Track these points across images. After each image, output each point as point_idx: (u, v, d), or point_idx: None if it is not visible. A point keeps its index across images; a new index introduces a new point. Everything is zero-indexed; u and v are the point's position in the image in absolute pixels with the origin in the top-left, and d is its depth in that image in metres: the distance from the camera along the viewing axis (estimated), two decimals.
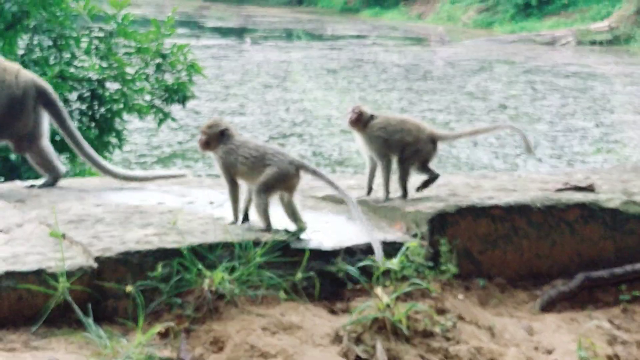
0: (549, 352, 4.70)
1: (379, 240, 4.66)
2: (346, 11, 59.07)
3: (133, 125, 15.16)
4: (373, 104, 25.06)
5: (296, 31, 48.38)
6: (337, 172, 17.49)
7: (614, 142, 21.73)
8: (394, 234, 5.02)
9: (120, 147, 10.86)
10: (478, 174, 6.55)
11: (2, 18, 10.45)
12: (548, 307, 5.05)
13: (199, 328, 4.32)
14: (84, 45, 10.63)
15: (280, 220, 4.87)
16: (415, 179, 5.48)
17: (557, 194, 5.44)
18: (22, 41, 10.91)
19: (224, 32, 46.65)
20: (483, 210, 5.13)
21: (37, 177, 6.14)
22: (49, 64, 10.36)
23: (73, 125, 6.09)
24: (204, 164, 17.18)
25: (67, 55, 10.67)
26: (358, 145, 5.51)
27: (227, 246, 4.57)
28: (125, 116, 10.81)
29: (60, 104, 6.08)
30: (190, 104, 11.36)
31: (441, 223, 5.03)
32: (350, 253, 4.77)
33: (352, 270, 4.67)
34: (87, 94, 10.54)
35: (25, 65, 10.15)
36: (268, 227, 4.82)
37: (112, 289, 4.37)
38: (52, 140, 6.32)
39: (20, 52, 10.73)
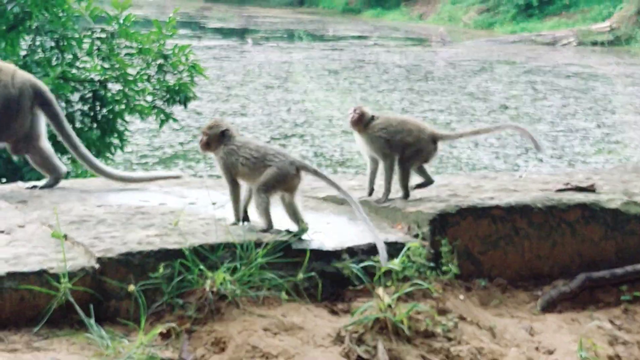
0: (550, 352, 4.70)
1: (383, 241, 4.67)
2: (347, 12, 59.07)
3: (135, 126, 15.18)
4: (374, 104, 25.07)
5: (298, 32, 48.39)
6: (338, 172, 17.50)
7: (615, 143, 21.73)
8: (395, 235, 5.03)
9: (122, 148, 10.86)
10: (479, 174, 6.55)
11: (5, 19, 10.46)
12: (549, 307, 5.06)
13: (201, 329, 4.33)
14: (86, 46, 10.64)
15: (281, 220, 4.88)
16: (413, 180, 5.48)
17: (558, 195, 5.44)
18: (25, 42, 10.92)
19: (225, 32, 46.66)
20: (484, 210, 5.14)
21: (39, 178, 6.15)
22: (51, 65, 10.37)
23: (69, 126, 6.07)
24: (206, 165, 17.19)
25: (69, 57, 10.69)
26: (359, 146, 5.52)
27: (229, 247, 4.58)
28: (127, 117, 10.82)
29: (57, 104, 6.06)
30: (191, 104, 11.38)
31: (442, 223, 5.04)
32: (352, 253, 4.78)
33: (354, 270, 4.67)
34: (89, 95, 10.55)
35: (27, 66, 10.18)
36: (269, 226, 4.83)
37: (114, 289, 4.38)
38: (54, 142, 6.33)
39: (23, 53, 10.74)
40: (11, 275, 4.23)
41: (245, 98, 26.34)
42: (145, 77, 10.61)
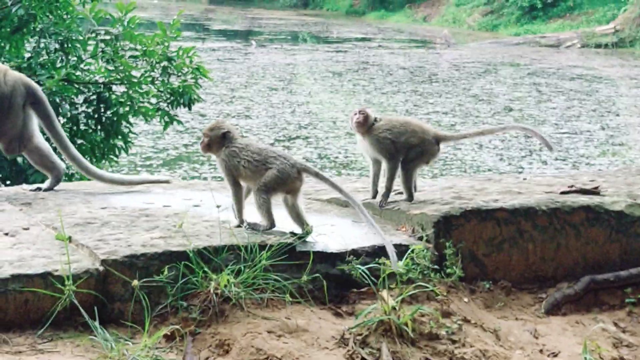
0: (554, 355, 4.70)
1: (392, 243, 4.67)
2: (352, 14, 59.10)
3: (139, 128, 15.18)
4: (379, 106, 25.07)
5: (302, 34, 48.42)
6: (342, 174, 17.50)
7: (619, 145, 21.71)
8: (399, 237, 5.03)
9: (126, 150, 10.86)
10: (483, 176, 6.55)
11: (9, 21, 10.47)
12: (553, 310, 5.06)
13: (205, 331, 4.33)
14: (90, 48, 10.64)
15: (285, 222, 4.88)
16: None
17: (563, 197, 5.44)
18: (29, 44, 10.93)
19: (229, 34, 46.68)
20: (488, 213, 5.14)
21: (43, 180, 6.15)
22: (56, 67, 10.38)
23: (59, 126, 6.06)
24: (210, 167, 17.20)
25: (73, 59, 10.69)
26: (361, 148, 5.51)
27: (233, 249, 4.58)
28: (131, 119, 10.82)
29: (48, 103, 6.04)
30: (196, 106, 11.37)
31: (446, 226, 5.04)
32: (356, 256, 4.78)
33: (358, 273, 4.67)
34: (94, 97, 10.55)
35: (31, 68, 10.19)
36: (271, 225, 4.84)
37: (118, 292, 4.38)
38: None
39: (27, 55, 10.75)
40: (16, 278, 4.24)
41: (249, 100, 26.36)
42: (149, 79, 10.61)
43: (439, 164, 18.52)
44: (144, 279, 4.37)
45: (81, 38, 10.61)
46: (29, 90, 5.90)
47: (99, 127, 10.59)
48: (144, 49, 10.46)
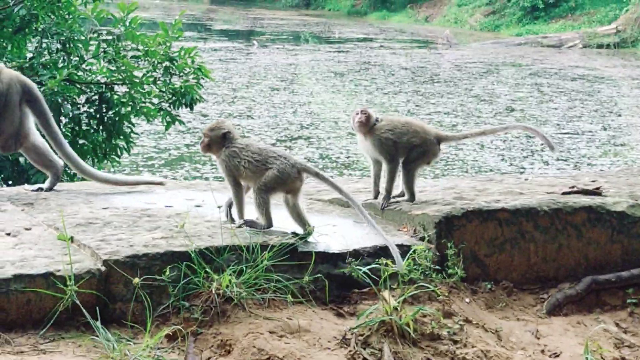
0: (556, 355, 4.70)
1: (395, 244, 4.68)
2: (353, 14, 59.10)
3: (141, 128, 15.19)
4: (380, 106, 25.08)
5: (303, 34, 48.42)
6: (344, 175, 17.50)
7: (621, 145, 21.71)
8: (401, 237, 5.04)
9: (128, 150, 10.86)
10: (485, 177, 6.55)
11: (11, 21, 10.47)
12: (555, 310, 5.06)
13: (207, 331, 4.33)
14: (92, 48, 10.64)
15: (286, 222, 4.89)
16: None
17: (564, 197, 5.44)
18: (31, 44, 10.93)
19: (231, 34, 46.69)
20: (490, 213, 5.14)
21: (45, 180, 6.15)
22: (58, 67, 10.37)
23: (55, 124, 6.06)
24: (212, 167, 17.20)
25: (75, 59, 10.69)
26: (362, 148, 5.50)
27: (235, 249, 4.58)
28: (133, 119, 10.82)
29: (44, 101, 6.04)
30: (197, 106, 11.37)
31: (448, 226, 5.04)
32: (358, 256, 4.78)
33: (360, 273, 4.68)
34: (96, 97, 10.55)
35: (33, 68, 10.19)
36: (269, 225, 4.84)
37: (120, 292, 4.39)
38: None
39: (29, 55, 10.75)
40: (18, 278, 4.24)
41: (251, 100, 26.36)
42: (151, 79, 10.60)
43: (441, 164, 18.52)
44: (145, 279, 4.37)
45: (83, 38, 10.60)
46: (25, 88, 5.90)
47: (100, 127, 10.58)
48: (146, 49, 10.46)
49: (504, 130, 6.50)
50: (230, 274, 4.44)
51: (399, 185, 5.48)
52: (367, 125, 5.35)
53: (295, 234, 4.81)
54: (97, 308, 4.29)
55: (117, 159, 10.85)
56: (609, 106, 27.05)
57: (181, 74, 10.64)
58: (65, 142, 6.06)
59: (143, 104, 10.64)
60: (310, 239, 4.82)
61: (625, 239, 5.33)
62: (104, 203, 5.52)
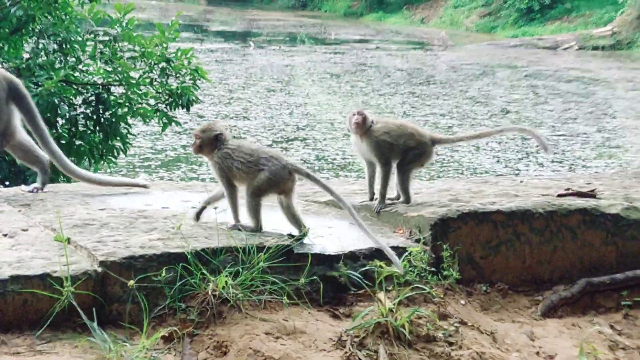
0: (551, 357, 4.72)
1: (389, 246, 4.68)
2: (349, 15, 59.11)
3: (137, 129, 15.18)
4: (376, 108, 25.09)
5: (300, 35, 48.42)
6: (340, 176, 17.51)
7: (615, 148, 21.74)
8: (396, 239, 5.05)
9: (124, 151, 10.87)
10: (480, 179, 6.57)
11: (8, 22, 10.48)
12: (550, 312, 5.07)
13: (203, 332, 4.34)
14: (89, 49, 10.65)
15: (282, 224, 4.90)
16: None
17: (559, 200, 5.46)
18: (28, 45, 10.94)
19: (227, 36, 46.68)
20: (485, 215, 5.15)
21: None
22: (54, 68, 10.38)
23: (41, 121, 6.04)
24: (208, 168, 17.17)
25: (72, 60, 10.70)
26: (357, 150, 5.51)
27: (231, 251, 4.59)
28: (130, 120, 10.82)
29: (30, 99, 6.02)
30: (194, 107, 11.38)
31: (443, 228, 5.06)
32: (354, 258, 4.80)
33: (355, 275, 4.69)
34: (92, 98, 10.56)
35: (30, 69, 10.20)
36: (258, 228, 4.86)
37: (117, 293, 4.39)
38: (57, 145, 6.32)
39: (26, 56, 10.76)
40: (14, 279, 4.25)
41: (247, 101, 26.36)
42: (148, 80, 10.62)
43: (436, 166, 18.53)
44: (142, 280, 4.38)
45: (80, 39, 10.61)
46: (11, 86, 5.89)
47: (97, 128, 10.60)
48: (143, 50, 10.47)
49: (499, 133, 6.45)
50: (226, 276, 4.45)
51: (393, 188, 5.50)
52: (364, 127, 5.37)
53: (291, 236, 4.83)
54: (94, 309, 4.29)
55: (113, 159, 10.86)
56: (604, 108, 27.09)
57: (178, 75, 10.66)
58: (51, 140, 6.04)
59: (139, 105, 10.66)
60: (306, 240, 4.83)
61: (619, 241, 5.35)
62: (100, 204, 5.53)
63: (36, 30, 10.64)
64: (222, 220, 4.96)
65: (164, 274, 4.40)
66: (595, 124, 24.44)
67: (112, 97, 10.57)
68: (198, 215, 5.04)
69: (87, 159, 10.39)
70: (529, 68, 36.22)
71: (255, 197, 4.81)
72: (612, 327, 5.05)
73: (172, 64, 10.54)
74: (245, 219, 4.91)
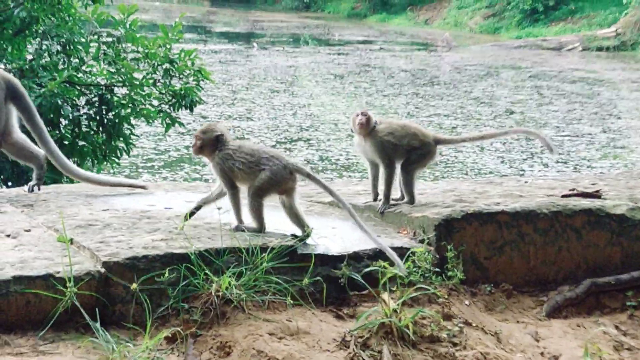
0: (555, 358, 4.70)
1: (393, 246, 4.67)
2: (353, 16, 59.13)
3: (141, 130, 15.18)
4: (380, 109, 25.10)
5: (303, 36, 48.45)
6: (344, 177, 17.50)
7: (620, 148, 21.71)
8: (400, 240, 5.04)
9: (127, 151, 10.87)
10: (484, 179, 6.56)
11: (11, 23, 10.48)
12: (554, 313, 5.06)
13: (206, 333, 4.33)
14: (92, 50, 10.65)
15: (285, 224, 4.89)
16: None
17: (564, 200, 5.44)
18: (31, 46, 10.94)
19: (231, 37, 46.71)
20: (489, 216, 5.14)
21: (45, 182, 6.15)
22: (58, 69, 10.39)
23: (40, 119, 6.04)
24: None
25: (75, 61, 10.70)
26: (360, 151, 5.50)
27: (235, 251, 4.58)
28: (133, 121, 10.82)
29: (28, 98, 6.01)
30: (197, 108, 11.37)
31: (448, 229, 5.04)
32: (357, 258, 4.79)
33: (359, 275, 4.68)
34: (96, 99, 10.56)
35: (34, 70, 10.20)
36: (261, 229, 4.85)
37: (120, 293, 4.39)
38: (59, 147, 6.32)
39: (29, 57, 10.76)
40: (17, 279, 4.24)
41: (251, 102, 26.37)
42: (151, 81, 10.62)
43: (440, 166, 18.52)
44: (145, 281, 4.37)
45: (83, 40, 10.62)
46: (9, 85, 5.88)
47: (100, 129, 10.60)
48: (146, 51, 10.47)
49: (504, 135, 6.42)
50: (229, 276, 4.44)
51: (397, 189, 5.49)
52: (368, 127, 5.35)
53: (294, 236, 4.82)
54: (97, 310, 4.29)
55: (116, 160, 10.86)
56: (608, 109, 27.07)
57: (181, 76, 10.66)
58: (50, 139, 6.04)
59: (143, 106, 10.66)
60: (309, 241, 4.82)
61: (625, 241, 5.33)
62: (103, 205, 5.52)
63: (40, 31, 10.64)
64: (226, 220, 4.96)
65: (167, 275, 4.39)
66: (600, 124, 24.42)
67: (115, 98, 10.57)
68: (189, 216, 5.00)
69: (90, 160, 10.40)
70: (533, 69, 36.20)
71: (257, 197, 4.80)
72: (617, 327, 5.03)
73: (176, 65, 10.54)
74: (248, 219, 4.90)
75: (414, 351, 4.40)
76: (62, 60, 10.65)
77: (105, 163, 10.69)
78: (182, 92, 10.60)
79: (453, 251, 4.96)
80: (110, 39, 10.47)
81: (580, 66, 37.46)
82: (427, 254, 4.85)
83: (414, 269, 4.75)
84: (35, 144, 6.07)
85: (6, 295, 4.21)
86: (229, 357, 4.22)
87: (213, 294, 4.40)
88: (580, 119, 25.22)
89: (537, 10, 48.32)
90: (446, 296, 4.78)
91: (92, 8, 10.53)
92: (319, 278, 4.65)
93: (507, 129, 6.96)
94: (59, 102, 9.93)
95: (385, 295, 4.55)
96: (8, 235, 4.87)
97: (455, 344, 4.50)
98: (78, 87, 10.47)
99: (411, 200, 5.41)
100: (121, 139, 10.68)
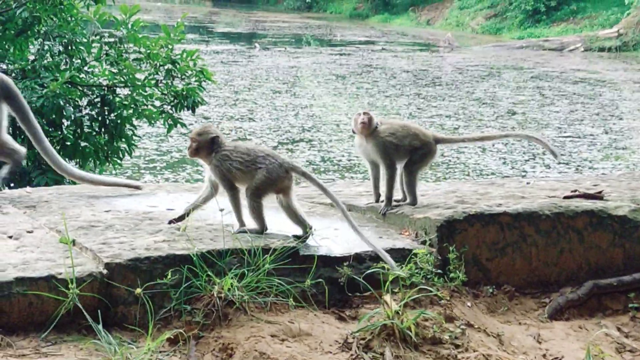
0: (558, 359, 4.70)
1: (390, 247, 4.67)
2: (355, 17, 59.12)
3: (142, 130, 15.19)
4: (382, 109, 25.08)
5: (305, 36, 48.43)
6: (345, 178, 17.49)
7: (622, 149, 21.69)
8: (402, 241, 5.03)
9: (129, 152, 10.87)
10: (486, 181, 6.55)
11: (13, 24, 10.48)
12: (556, 314, 5.06)
13: (208, 335, 4.33)
14: (94, 51, 10.65)
15: (287, 226, 4.89)
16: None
17: (566, 201, 5.44)
18: (33, 47, 10.94)
19: (233, 37, 46.71)
20: (491, 217, 5.14)
21: (48, 183, 6.15)
22: (60, 69, 10.38)
23: (34, 119, 6.03)
24: None
25: (77, 61, 10.70)
26: (361, 152, 5.49)
27: (237, 253, 4.58)
28: (135, 122, 10.82)
29: (22, 97, 6.01)
30: (199, 109, 11.37)
31: (450, 230, 5.04)
32: (359, 260, 4.79)
33: (361, 277, 4.68)
34: (97, 99, 10.56)
35: (35, 70, 10.20)
36: (262, 229, 4.85)
37: (122, 295, 4.39)
38: (61, 148, 6.31)
39: (31, 57, 10.76)
40: (19, 281, 4.25)
41: (253, 102, 26.36)
42: (153, 82, 10.61)
43: (442, 167, 18.51)
44: (147, 283, 4.37)
45: (85, 41, 10.61)
46: (2, 85, 5.87)
47: (102, 129, 10.59)
48: (148, 51, 10.47)
49: (504, 138, 6.40)
50: (232, 278, 4.44)
51: (398, 190, 5.48)
52: (370, 127, 5.35)
53: (296, 237, 4.82)
54: (99, 311, 4.29)
55: (118, 161, 10.85)
56: (610, 110, 27.04)
57: (183, 77, 10.66)
58: (45, 138, 6.04)
59: (145, 107, 10.65)
60: (312, 242, 4.82)
61: (627, 243, 5.33)
62: (105, 206, 5.52)
63: (42, 32, 10.64)
64: (228, 222, 4.95)
65: (169, 276, 4.39)
66: (602, 125, 24.40)
67: (117, 99, 10.56)
68: (176, 220, 4.99)
69: (92, 161, 10.39)
70: (535, 69, 36.18)
71: (256, 197, 4.80)
72: (619, 329, 5.03)
73: (178, 66, 10.53)
74: (249, 221, 4.89)
75: (416, 353, 4.40)
76: (64, 60, 10.65)
77: (107, 164, 10.69)
78: (184, 93, 10.60)
79: (455, 252, 4.96)
80: (112, 40, 10.47)
81: (582, 67, 37.44)
82: (429, 255, 4.85)
83: (416, 271, 4.74)
84: (31, 143, 6.07)
85: (8, 297, 4.21)
86: (231, 359, 4.22)
87: (215, 295, 4.40)
88: (582, 119, 25.20)
89: (539, 11, 48.28)
90: (448, 298, 4.77)
91: (94, 8, 10.52)
92: (321, 280, 4.65)
93: (509, 132, 6.91)
94: (61, 103, 9.93)
95: (387, 297, 4.55)
96: (10, 237, 4.88)
97: (457, 346, 4.50)
98: (80, 88, 10.47)
99: (413, 201, 5.41)
100: (123, 139, 10.68)
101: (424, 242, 5.02)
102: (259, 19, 57.59)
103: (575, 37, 44.39)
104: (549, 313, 5.05)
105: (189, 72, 10.64)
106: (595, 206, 5.37)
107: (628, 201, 5.54)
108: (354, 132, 5.47)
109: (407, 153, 5.37)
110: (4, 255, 4.52)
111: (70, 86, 10.21)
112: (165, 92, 10.64)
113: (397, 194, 5.48)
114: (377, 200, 5.54)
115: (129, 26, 10.38)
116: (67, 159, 9.68)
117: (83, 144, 10.38)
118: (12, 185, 9.82)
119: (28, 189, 6.17)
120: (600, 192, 5.67)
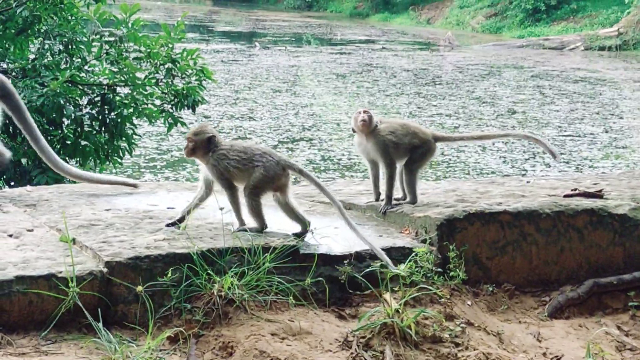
0: (558, 358, 4.70)
1: (390, 246, 4.68)
2: (355, 16, 59.13)
3: (143, 129, 15.18)
4: (382, 108, 25.09)
5: (305, 35, 48.43)
6: (346, 176, 17.49)
7: (622, 148, 21.70)
8: (402, 240, 5.04)
9: (130, 151, 10.87)
10: (487, 179, 6.55)
11: (14, 23, 10.48)
12: (556, 313, 5.06)
13: (209, 333, 4.33)
14: (94, 50, 10.65)
15: (287, 224, 4.89)
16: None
17: (566, 200, 5.44)
18: (33, 46, 10.94)
19: (233, 36, 46.71)
20: (492, 216, 5.14)
21: (48, 182, 6.15)
22: (60, 68, 10.38)
23: (30, 117, 6.02)
24: None
25: (77, 60, 10.70)
26: (360, 150, 5.49)
27: (237, 251, 4.59)
28: (135, 121, 10.82)
29: (18, 96, 6.00)
30: (199, 108, 11.37)
31: (450, 229, 5.04)
32: (359, 258, 4.79)
33: (361, 275, 4.68)
34: (98, 98, 10.56)
35: (36, 69, 10.20)
36: (262, 227, 4.85)
37: (122, 294, 4.39)
38: (62, 147, 6.31)
39: (31, 56, 10.76)
40: (20, 279, 4.25)
41: (253, 102, 26.37)
42: (153, 81, 10.61)
43: (442, 166, 18.51)
44: (148, 282, 4.37)
45: (85, 40, 10.62)
46: None
47: (103, 128, 10.59)
48: (148, 50, 10.46)
49: (503, 137, 6.40)
50: (232, 276, 4.44)
51: (398, 188, 5.49)
52: (370, 126, 5.35)
53: (296, 235, 4.82)
54: (99, 310, 4.29)
55: (119, 160, 10.85)
56: (610, 108, 27.05)
57: (183, 76, 10.65)
58: (41, 136, 6.03)
59: (145, 106, 10.65)
60: (312, 241, 4.82)
61: (627, 241, 5.33)
62: (106, 205, 5.52)
63: (42, 30, 10.64)
64: (228, 220, 4.96)
65: (169, 275, 4.39)
66: (602, 124, 24.41)
67: (117, 98, 10.56)
68: (173, 224, 4.99)
69: (92, 160, 10.39)
70: (535, 68, 36.19)
71: (254, 196, 4.80)
72: (619, 327, 5.03)
73: (178, 65, 10.53)
74: (249, 220, 4.89)
75: (416, 351, 4.40)
76: (64, 59, 10.65)
77: (107, 163, 10.69)
78: (185, 92, 10.60)
79: (455, 251, 4.96)
80: (112, 39, 10.47)
81: (582, 66, 37.44)
82: (429, 254, 4.85)
83: (416, 269, 4.75)
84: (28, 141, 6.05)
85: (9, 295, 4.22)
86: (231, 358, 4.23)
87: (215, 294, 4.40)
88: (582, 118, 25.20)
89: (539, 10, 48.30)
90: (448, 296, 4.77)
91: (95, 7, 10.52)
92: (321, 278, 4.66)
93: (508, 132, 6.92)
94: (62, 102, 9.93)
95: (387, 296, 4.55)
96: (10, 235, 4.88)
97: (457, 345, 4.50)
98: (80, 87, 10.47)
99: (413, 200, 5.41)
100: (123, 138, 10.68)
101: (424, 241, 5.02)
102: (259, 18, 57.59)
103: (575, 36, 44.40)
104: (549, 311, 5.05)
105: (189, 71, 10.64)
106: (595, 205, 5.37)
107: (628, 200, 5.54)
108: (353, 130, 5.47)
109: (406, 152, 5.37)
110: (4, 254, 4.52)
111: (70, 85, 10.21)
112: (166, 91, 10.64)
113: (397, 193, 5.49)
114: (377, 199, 5.54)
115: (129, 25, 10.37)
116: (67, 158, 9.68)
117: (83, 142, 10.38)
118: (12, 183, 9.84)
119: (28, 187, 6.17)
120: (600, 191, 5.67)
